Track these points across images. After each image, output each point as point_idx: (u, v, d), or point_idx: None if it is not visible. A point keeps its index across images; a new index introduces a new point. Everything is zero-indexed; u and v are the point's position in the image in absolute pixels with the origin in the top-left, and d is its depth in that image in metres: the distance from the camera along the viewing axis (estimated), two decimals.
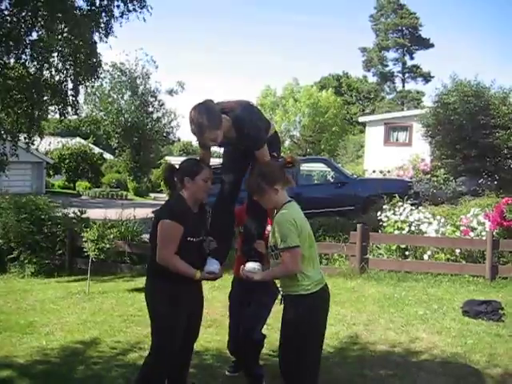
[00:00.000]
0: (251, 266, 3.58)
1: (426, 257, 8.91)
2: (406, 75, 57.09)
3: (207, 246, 3.69)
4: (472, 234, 9.13)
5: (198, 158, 3.82)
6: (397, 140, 21.58)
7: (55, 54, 14.74)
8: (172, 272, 3.44)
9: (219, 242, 3.75)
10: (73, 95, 15.96)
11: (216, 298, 7.08)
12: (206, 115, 3.35)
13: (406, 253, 9.19)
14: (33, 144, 16.54)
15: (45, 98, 15.61)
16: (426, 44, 54.88)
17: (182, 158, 4.27)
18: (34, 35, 14.36)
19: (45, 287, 9.06)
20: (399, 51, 55.88)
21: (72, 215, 10.98)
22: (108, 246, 8.74)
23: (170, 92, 33.61)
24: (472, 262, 8.81)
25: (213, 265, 3.59)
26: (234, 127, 3.54)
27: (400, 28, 54.75)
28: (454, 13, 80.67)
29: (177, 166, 3.73)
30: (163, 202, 4.09)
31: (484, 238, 8.71)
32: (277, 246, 3.28)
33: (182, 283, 3.47)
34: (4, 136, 15.27)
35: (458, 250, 8.84)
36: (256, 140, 3.59)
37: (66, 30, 14.19)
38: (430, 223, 9.36)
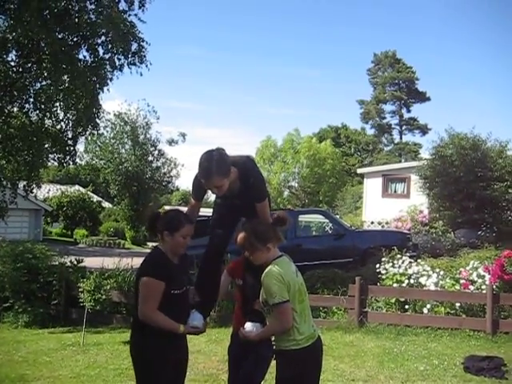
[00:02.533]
0: (249, 327, 3.54)
1: (425, 310, 8.80)
2: (404, 127, 58.09)
3: (192, 298, 3.63)
4: (472, 288, 9.03)
5: (187, 208, 3.76)
6: (395, 191, 21.68)
7: (57, 104, 14.99)
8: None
9: (205, 297, 3.70)
10: (71, 145, 16.13)
11: (213, 351, 6.94)
12: (216, 161, 3.37)
13: (406, 306, 9.07)
14: (32, 192, 16.57)
15: (45, 146, 15.76)
16: (422, 97, 56.03)
17: (181, 208, 4.18)
18: (38, 85, 14.65)
19: (38, 338, 8.90)
20: (396, 104, 57.06)
21: (69, 264, 10.89)
22: (104, 296, 8.65)
23: (171, 143, 34.07)
24: (472, 315, 8.69)
25: (197, 319, 3.53)
26: (240, 179, 3.54)
27: (397, 81, 56.06)
28: (450, 67, 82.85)
29: (161, 214, 3.62)
30: None
31: (484, 292, 8.62)
32: (268, 302, 3.26)
33: (166, 336, 3.39)
34: (4, 183, 15.34)
35: (458, 304, 8.75)
36: (260, 191, 3.63)
37: (68, 80, 14.46)
38: (429, 276, 9.27)
